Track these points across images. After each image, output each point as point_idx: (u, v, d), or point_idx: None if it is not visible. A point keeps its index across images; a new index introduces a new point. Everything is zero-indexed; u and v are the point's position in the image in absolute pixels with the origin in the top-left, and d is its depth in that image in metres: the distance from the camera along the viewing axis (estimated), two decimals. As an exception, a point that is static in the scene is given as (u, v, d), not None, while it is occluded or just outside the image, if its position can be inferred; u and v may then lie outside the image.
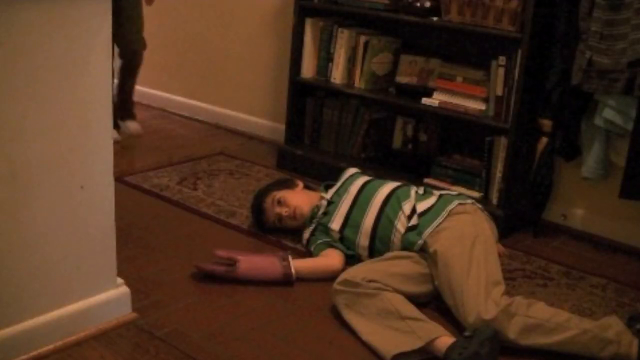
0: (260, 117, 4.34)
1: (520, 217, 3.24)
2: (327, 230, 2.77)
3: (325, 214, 2.80)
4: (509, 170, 3.12)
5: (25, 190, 1.95)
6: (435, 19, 3.25)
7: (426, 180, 3.34)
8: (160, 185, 3.44)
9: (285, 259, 2.61)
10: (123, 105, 4.07)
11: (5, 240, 1.94)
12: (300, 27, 3.68)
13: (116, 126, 3.88)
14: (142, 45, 3.94)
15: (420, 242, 2.52)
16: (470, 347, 2.07)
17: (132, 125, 4.07)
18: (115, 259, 2.26)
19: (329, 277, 2.57)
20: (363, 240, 2.68)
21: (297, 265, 2.64)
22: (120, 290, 2.29)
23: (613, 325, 2.23)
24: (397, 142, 3.70)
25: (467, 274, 2.31)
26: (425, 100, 3.32)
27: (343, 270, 2.58)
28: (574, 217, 3.28)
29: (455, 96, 3.26)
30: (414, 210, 2.60)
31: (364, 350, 2.24)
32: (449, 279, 2.36)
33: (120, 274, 2.30)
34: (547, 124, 3.08)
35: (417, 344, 2.16)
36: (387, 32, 3.64)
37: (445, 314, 2.40)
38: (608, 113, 2.87)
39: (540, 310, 2.25)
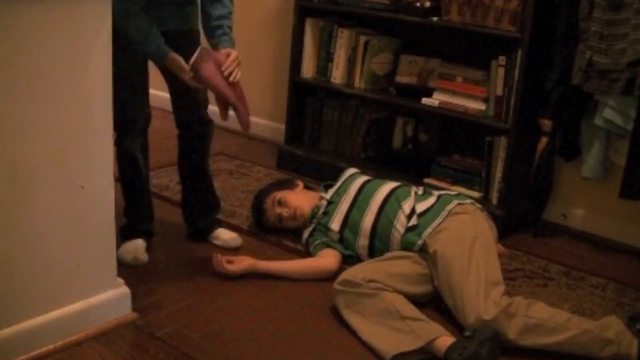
0: (260, 117, 4.34)
1: (520, 217, 3.24)
2: (326, 231, 2.77)
3: (325, 214, 2.80)
4: (509, 170, 3.12)
5: (25, 190, 1.95)
6: (435, 19, 3.25)
7: (426, 180, 3.34)
8: (160, 185, 3.44)
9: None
10: (205, 204, 2.89)
11: (5, 240, 1.94)
12: (300, 27, 3.68)
13: (203, 238, 2.88)
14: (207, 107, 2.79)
15: (419, 242, 2.52)
16: (471, 347, 2.07)
17: (227, 235, 2.87)
18: (115, 259, 2.26)
19: (323, 277, 2.58)
20: (363, 240, 2.68)
21: (290, 265, 2.67)
22: (120, 290, 2.29)
23: (613, 325, 2.23)
24: (397, 142, 3.70)
25: (467, 275, 2.31)
26: (425, 100, 3.32)
27: (338, 270, 2.60)
28: (574, 217, 3.28)
29: (455, 96, 3.26)
30: (413, 211, 2.60)
31: (364, 350, 2.24)
32: (448, 280, 2.36)
33: (120, 274, 2.30)
34: (547, 124, 3.08)
35: (417, 344, 2.16)
36: (387, 32, 3.64)
37: (445, 314, 2.40)
38: (608, 113, 2.87)
39: (540, 311, 2.25)
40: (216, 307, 2.43)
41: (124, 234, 2.71)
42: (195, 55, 2.47)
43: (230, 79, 2.52)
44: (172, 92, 2.72)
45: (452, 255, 2.39)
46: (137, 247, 2.68)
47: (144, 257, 2.68)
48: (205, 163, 2.85)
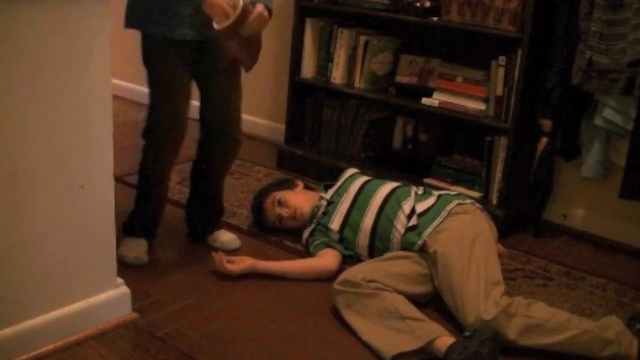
0: (260, 117, 4.34)
1: (520, 217, 3.24)
2: (326, 231, 2.77)
3: (324, 214, 2.80)
4: (509, 170, 3.12)
5: (25, 190, 1.95)
6: (435, 19, 3.25)
7: (426, 180, 3.34)
8: (160, 185, 3.44)
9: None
10: (211, 211, 2.86)
11: (5, 240, 1.94)
12: (300, 27, 3.68)
13: (200, 237, 2.87)
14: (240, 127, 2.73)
15: (419, 242, 2.52)
16: (471, 347, 2.07)
17: (226, 237, 2.85)
18: (115, 259, 2.26)
19: (323, 277, 2.59)
20: (363, 240, 2.68)
21: (290, 265, 2.67)
22: (120, 290, 2.29)
23: (613, 325, 2.23)
24: (397, 142, 3.70)
25: (467, 274, 2.31)
26: (425, 100, 3.32)
27: (338, 270, 2.60)
28: (574, 217, 3.27)
29: (455, 96, 3.26)
30: (413, 211, 2.60)
31: (364, 350, 2.24)
32: (448, 279, 2.36)
33: (120, 274, 2.30)
34: (547, 124, 3.08)
35: (417, 344, 2.16)
36: (387, 32, 3.64)
37: (445, 314, 2.40)
38: (608, 113, 2.87)
39: (540, 311, 2.25)
40: (216, 307, 2.43)
41: (127, 230, 2.70)
42: (235, 16, 2.30)
43: (245, 34, 2.37)
44: (206, 101, 2.65)
45: (452, 255, 2.39)
46: (139, 246, 2.67)
47: (145, 257, 2.67)
48: (223, 179, 2.83)
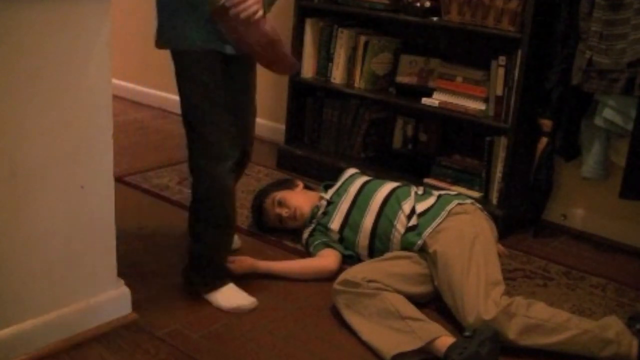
0: (260, 117, 4.31)
1: (520, 217, 3.24)
2: (326, 231, 2.77)
3: (324, 214, 2.80)
4: (509, 170, 3.12)
5: (25, 190, 1.95)
6: (435, 19, 3.25)
7: (426, 180, 3.34)
8: (160, 185, 3.44)
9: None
10: None
11: (5, 240, 1.95)
12: (300, 27, 3.68)
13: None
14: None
15: (419, 242, 2.52)
16: (471, 347, 2.07)
17: None
18: (115, 259, 2.26)
19: (323, 277, 2.59)
20: (363, 240, 2.68)
21: (290, 265, 2.67)
22: (120, 290, 2.29)
23: (613, 325, 2.23)
24: (397, 142, 3.70)
25: (467, 274, 2.31)
26: (425, 100, 3.32)
27: (338, 270, 2.60)
28: (574, 217, 3.28)
29: (455, 96, 3.26)
30: (413, 211, 2.60)
31: (364, 350, 2.24)
32: (448, 279, 2.36)
33: (120, 274, 2.30)
34: (547, 124, 3.08)
35: (417, 343, 2.16)
36: (387, 32, 3.64)
37: (445, 314, 2.40)
38: (608, 113, 2.87)
39: (540, 311, 2.25)
40: (216, 307, 2.43)
41: (206, 280, 2.44)
42: None
43: (241, 15, 2.15)
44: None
45: (452, 255, 2.39)
46: (236, 293, 2.45)
47: (250, 300, 2.44)
48: None
